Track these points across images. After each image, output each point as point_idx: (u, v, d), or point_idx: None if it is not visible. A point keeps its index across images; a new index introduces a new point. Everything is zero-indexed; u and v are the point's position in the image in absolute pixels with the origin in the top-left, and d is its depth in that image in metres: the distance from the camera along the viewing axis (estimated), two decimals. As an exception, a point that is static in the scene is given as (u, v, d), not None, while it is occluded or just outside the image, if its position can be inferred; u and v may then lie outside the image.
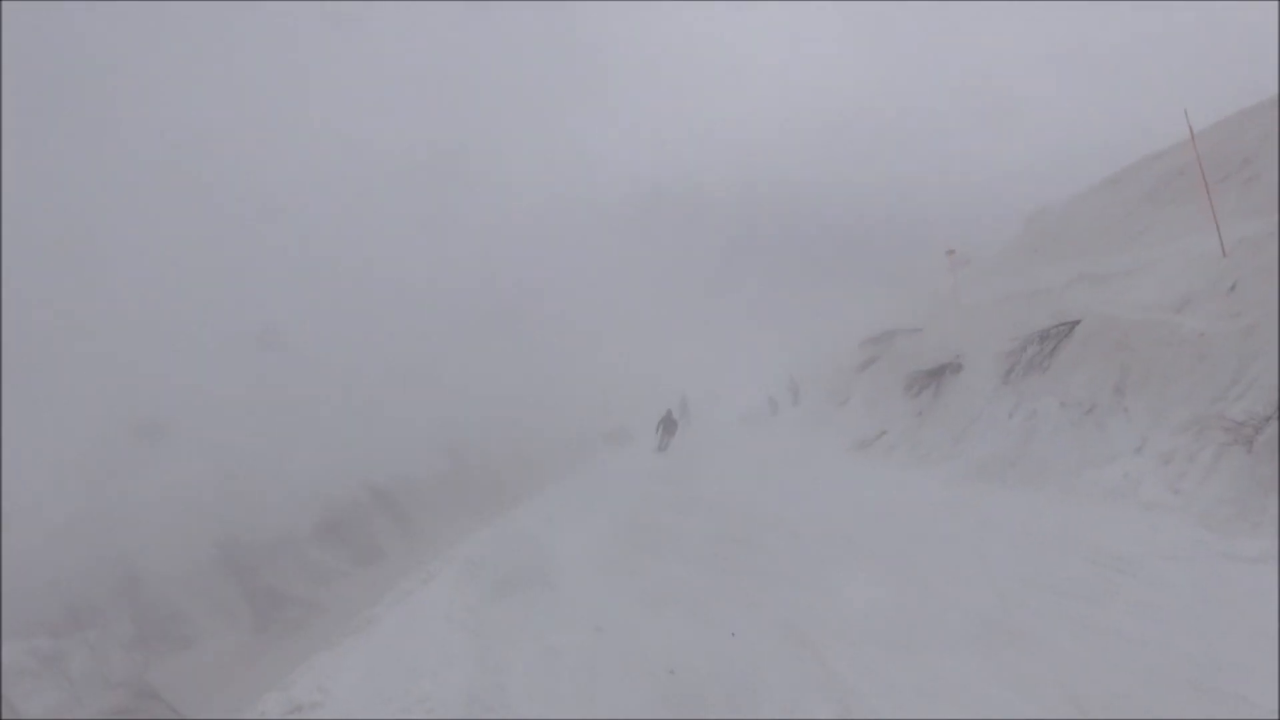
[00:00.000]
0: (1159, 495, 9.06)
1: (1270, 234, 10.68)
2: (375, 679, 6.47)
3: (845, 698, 5.31)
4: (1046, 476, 11.26)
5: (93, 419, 27.34)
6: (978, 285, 22.77)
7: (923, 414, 17.01)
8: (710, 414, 40.10)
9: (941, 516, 10.68)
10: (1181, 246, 13.17)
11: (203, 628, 22.70)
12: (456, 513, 27.75)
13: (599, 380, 44.22)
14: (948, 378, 16.79)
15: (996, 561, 8.14)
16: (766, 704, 5.40)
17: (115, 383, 28.84)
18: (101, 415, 27.67)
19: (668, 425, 27.47)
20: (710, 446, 26.02)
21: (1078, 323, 13.17)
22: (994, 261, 25.58)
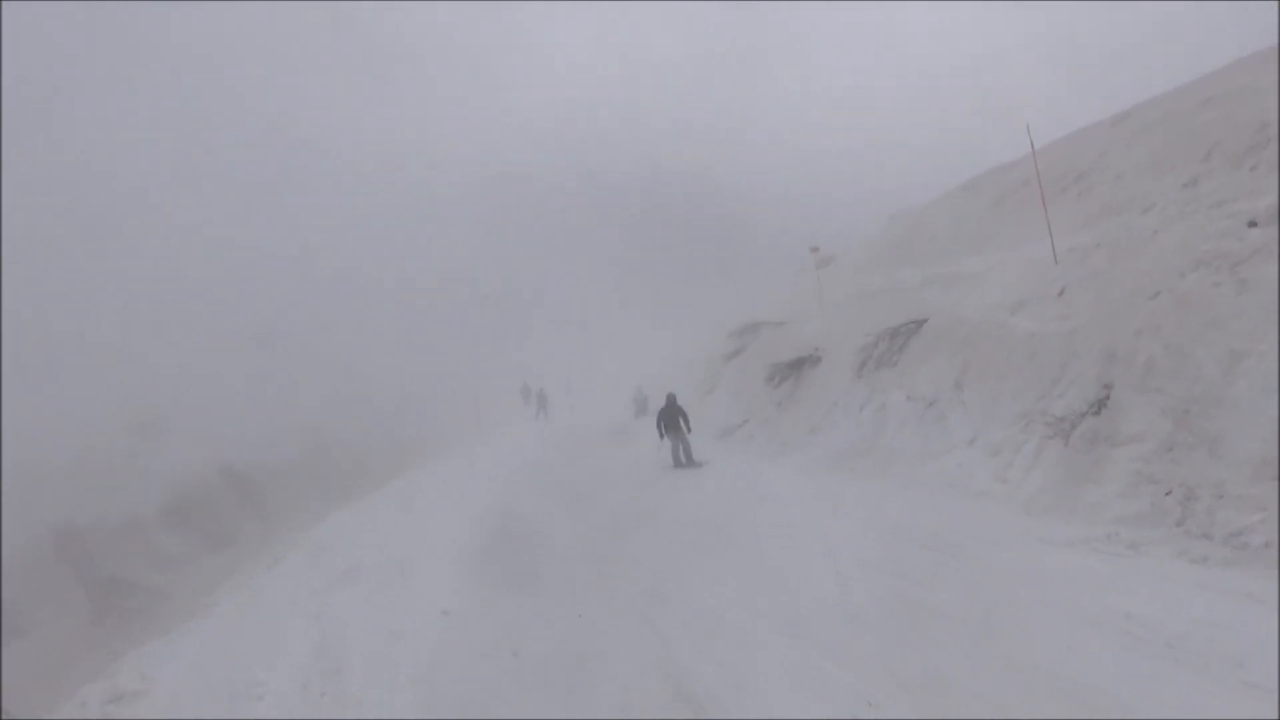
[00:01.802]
0: (988, 484, 9.68)
1: (1095, 244, 11.54)
2: (205, 666, 6.27)
3: (681, 677, 5.48)
4: (892, 466, 11.84)
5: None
6: (840, 282, 23.62)
7: (782, 404, 17.58)
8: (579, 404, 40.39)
9: (794, 504, 11.07)
10: (1021, 253, 14.03)
11: (34, 617, 21.32)
12: (316, 498, 26.87)
13: (469, 367, 43.67)
14: (807, 370, 17.41)
15: (840, 546, 8.50)
16: (606, 684, 5.51)
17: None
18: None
19: (540, 398, 31.12)
20: (580, 435, 26.07)
21: (925, 321, 13.88)
22: (856, 260, 26.54)
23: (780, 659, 5.71)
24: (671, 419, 16.55)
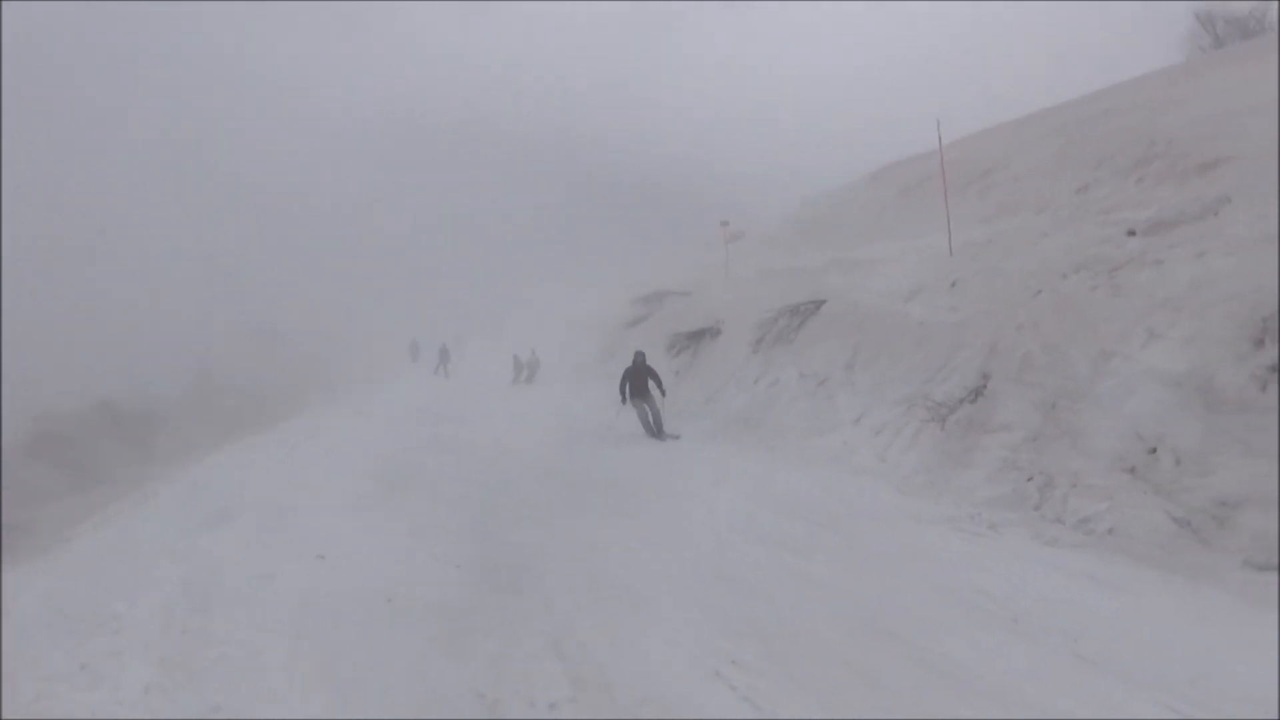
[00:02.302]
0: (869, 462, 10.03)
1: (989, 240, 11.99)
2: (58, 599, 6.03)
3: (559, 636, 5.54)
4: (781, 440, 12.14)
5: None
6: (749, 258, 23.95)
7: (680, 373, 17.79)
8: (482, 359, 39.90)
9: (683, 471, 11.23)
10: (921, 243, 14.47)
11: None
12: (206, 438, 25.85)
13: (372, 316, 42.59)
14: (707, 341, 17.64)
15: (723, 515, 8.69)
16: (483, 637, 5.53)
17: None
18: None
19: (442, 353, 30.74)
20: (480, 392, 25.83)
21: (824, 302, 14.21)
22: (766, 237, 26.93)
23: (656, 616, 5.83)
24: (639, 382, 14.70)
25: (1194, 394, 6.88)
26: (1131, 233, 9.44)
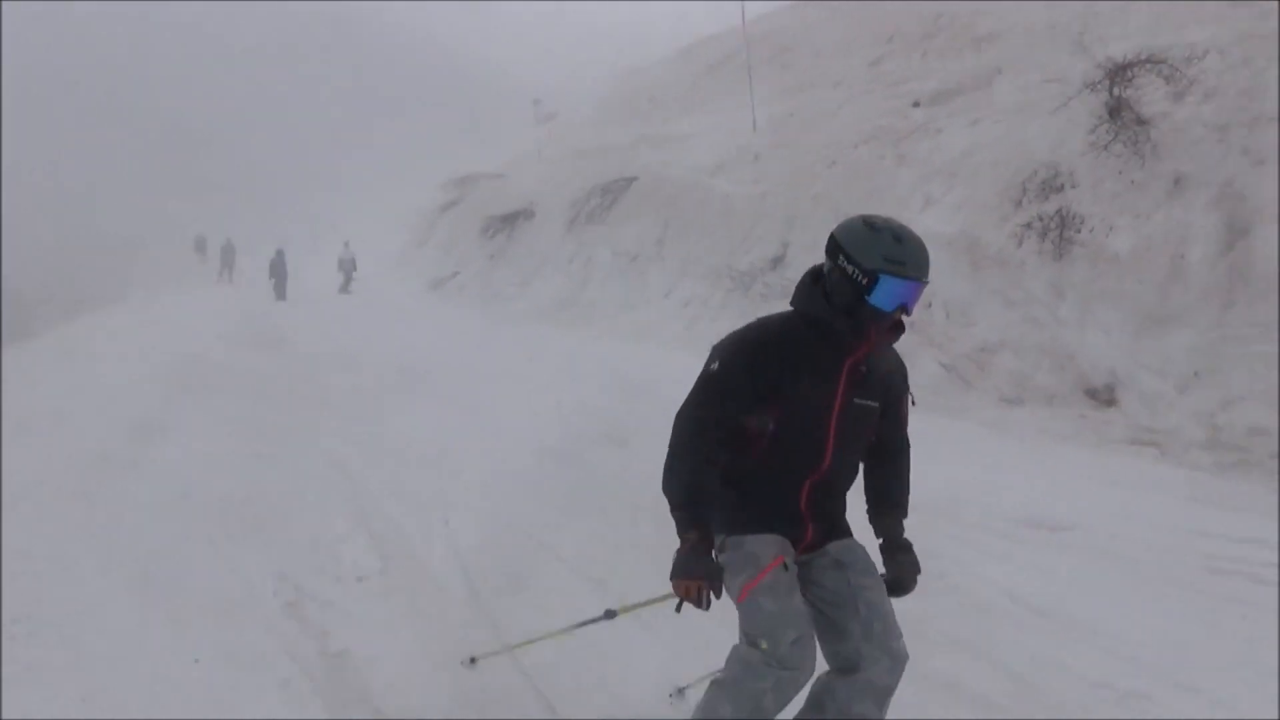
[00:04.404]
0: (679, 334, 10.40)
1: (789, 114, 12.37)
2: None
3: (366, 510, 5.54)
4: (595, 316, 12.35)
5: None
6: (563, 138, 23.64)
7: (495, 257, 17.59)
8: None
9: (498, 352, 11.24)
10: (727, 118, 14.71)
11: None
12: None
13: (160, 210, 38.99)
14: (521, 223, 17.46)
15: (538, 391, 8.80)
16: (295, 521, 5.44)
17: None
18: None
19: (226, 254, 24.77)
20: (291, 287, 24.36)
21: (635, 179, 14.31)
22: (580, 117, 26.58)
23: (472, 486, 5.92)
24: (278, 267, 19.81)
25: (962, 253, 7.49)
26: (916, 104, 9.98)
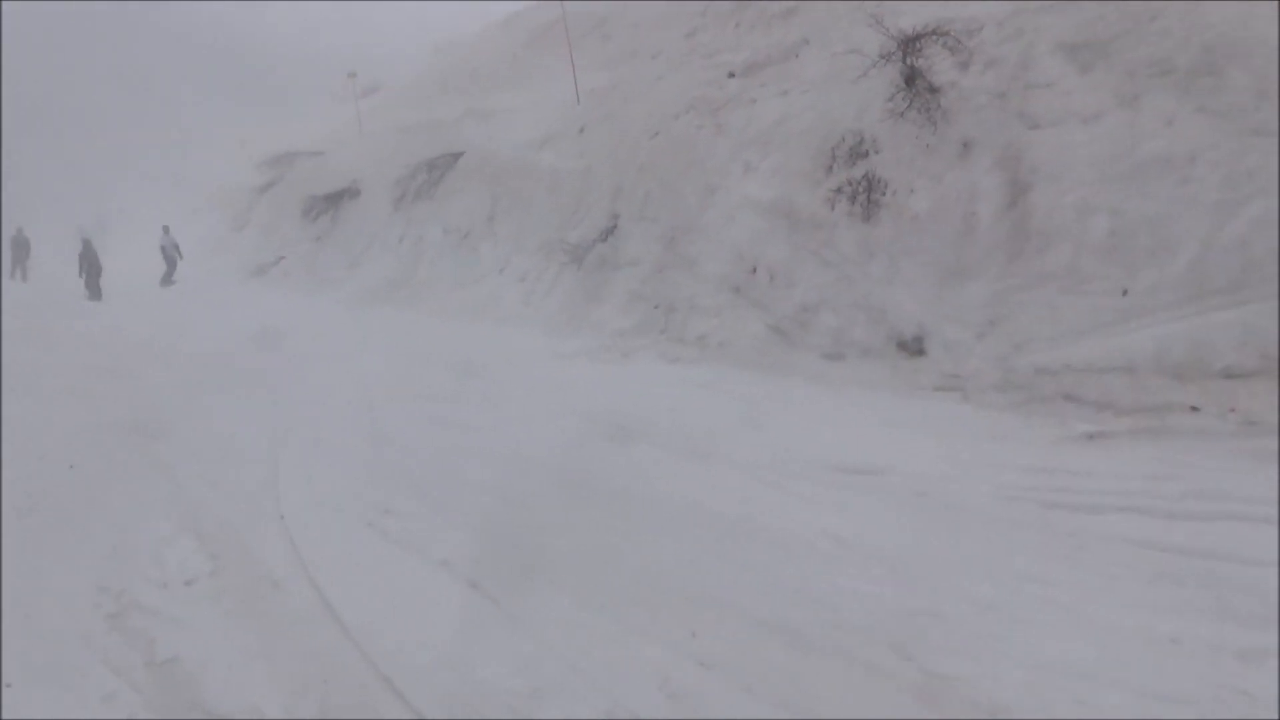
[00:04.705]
0: (515, 309, 10.42)
1: (611, 86, 12.50)
2: None
3: (194, 513, 5.35)
4: (428, 296, 12.18)
5: None
6: (384, 113, 22.92)
7: (321, 239, 16.98)
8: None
9: (327, 337, 10.93)
10: (550, 91, 14.70)
11: None
12: None
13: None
14: (346, 203, 16.90)
15: (370, 376, 8.66)
16: (111, 526, 5.20)
17: None
18: None
19: (18, 246, 20.91)
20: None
21: (462, 155, 14.13)
22: (401, 91, 25.84)
23: (303, 475, 5.81)
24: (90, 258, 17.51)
25: (781, 218, 7.87)
26: (731, 74, 10.29)
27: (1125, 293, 5.34)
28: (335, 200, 17.27)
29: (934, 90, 7.18)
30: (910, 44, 7.41)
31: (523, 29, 20.68)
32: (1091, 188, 5.81)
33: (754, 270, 7.89)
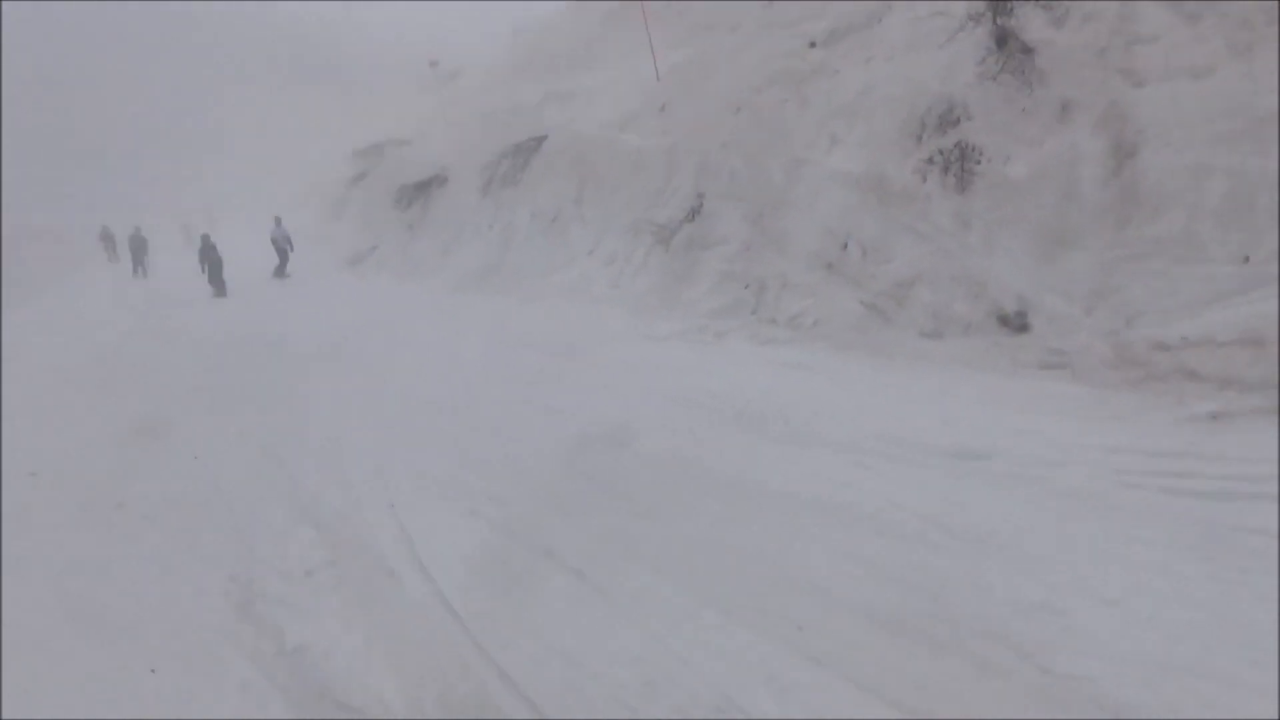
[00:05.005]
0: (604, 291, 10.47)
1: (690, 62, 12.37)
2: None
3: (307, 501, 5.58)
4: (520, 281, 12.33)
5: None
6: (467, 99, 23.19)
7: (413, 227, 17.35)
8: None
9: (424, 324, 11.21)
10: (630, 68, 14.64)
11: None
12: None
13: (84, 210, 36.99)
14: (435, 191, 17.21)
15: (467, 360, 8.86)
16: (237, 519, 5.47)
17: None
18: None
19: (136, 244, 22.54)
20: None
21: (545, 138, 14.20)
22: (483, 76, 26.07)
23: (407, 463, 6.00)
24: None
25: (871, 191, 7.70)
26: (813, 44, 10.07)
27: (1246, 259, 5.05)
28: (424, 188, 17.62)
29: (1028, 50, 6.90)
30: (1000, 2, 7.12)
31: (596, 7, 20.58)
32: (1205, 147, 5.50)
33: (845, 246, 7.75)
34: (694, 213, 9.77)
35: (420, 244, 16.51)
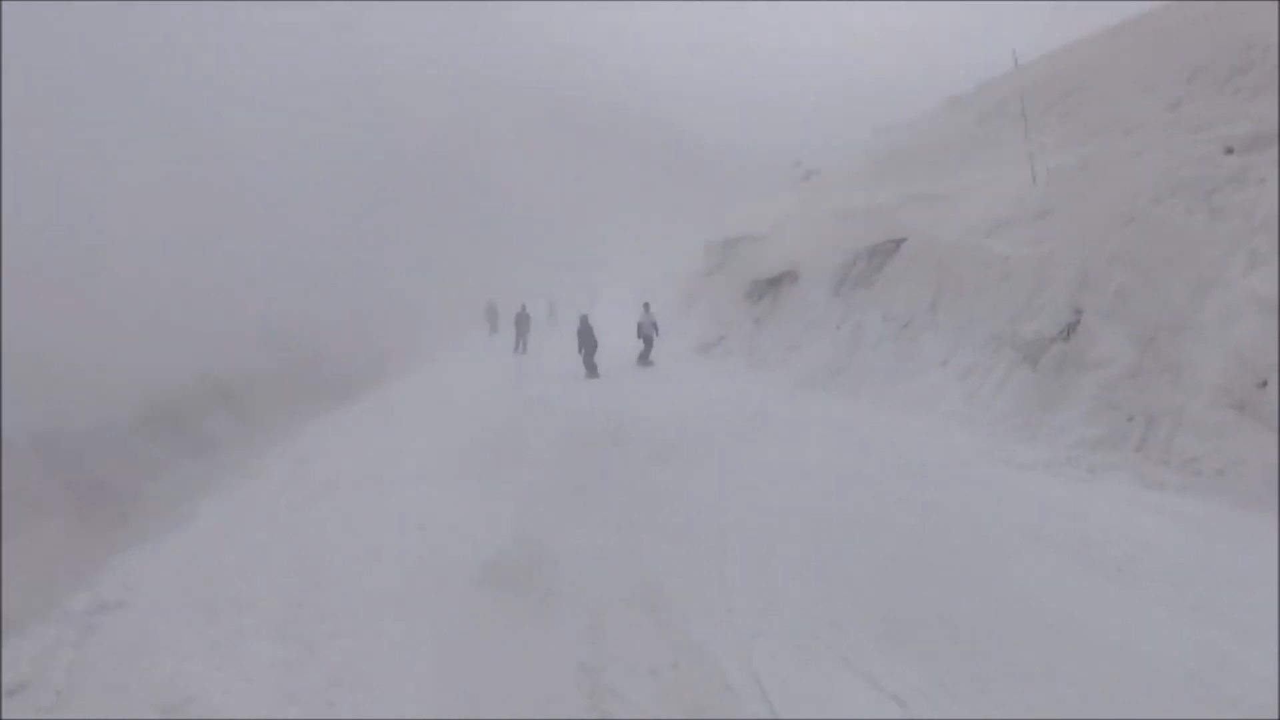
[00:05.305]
0: (957, 406, 9.86)
1: (1076, 166, 11.50)
2: (185, 577, 6.38)
3: (652, 591, 5.65)
4: (866, 385, 12.01)
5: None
6: (823, 197, 23.47)
7: (761, 321, 17.68)
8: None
9: (770, 421, 11.17)
10: (1002, 172, 13.95)
11: (17, 520, 21.41)
12: (300, 407, 26.30)
13: (459, 282, 42.58)
14: (786, 287, 17.46)
15: (811, 464, 8.67)
16: (584, 597, 5.66)
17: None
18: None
19: (520, 321, 24.17)
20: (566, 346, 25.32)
21: (904, 241, 13.90)
22: (840, 174, 26.33)
23: (749, 576, 5.88)
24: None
25: (1303, 321, 6.56)
26: (1229, 150, 8.94)
27: None
28: (775, 284, 17.95)
29: None
30: None
31: (973, 107, 20.03)
32: None
33: (1264, 384, 6.64)
34: (1069, 330, 8.95)
35: (767, 337, 16.77)
